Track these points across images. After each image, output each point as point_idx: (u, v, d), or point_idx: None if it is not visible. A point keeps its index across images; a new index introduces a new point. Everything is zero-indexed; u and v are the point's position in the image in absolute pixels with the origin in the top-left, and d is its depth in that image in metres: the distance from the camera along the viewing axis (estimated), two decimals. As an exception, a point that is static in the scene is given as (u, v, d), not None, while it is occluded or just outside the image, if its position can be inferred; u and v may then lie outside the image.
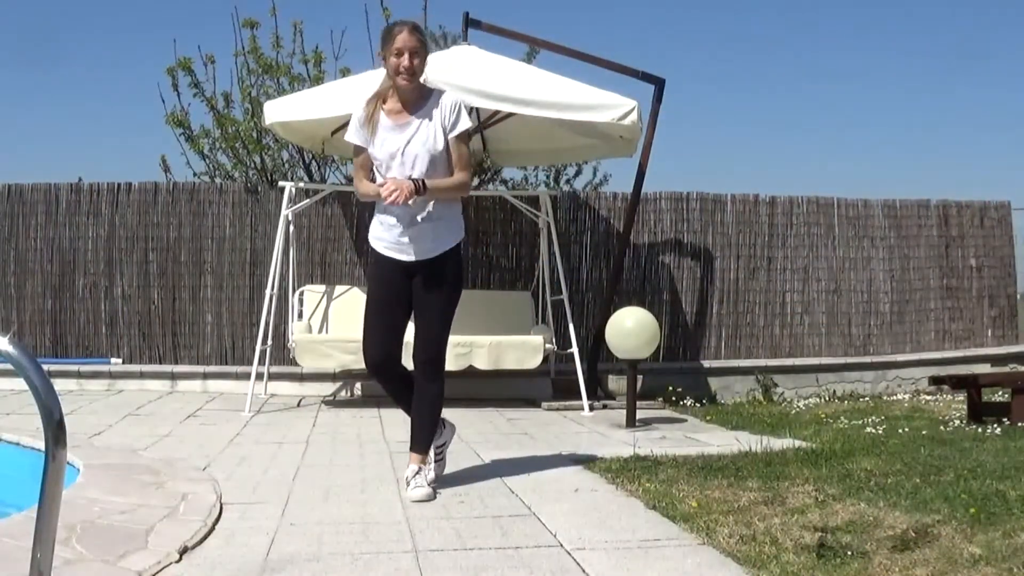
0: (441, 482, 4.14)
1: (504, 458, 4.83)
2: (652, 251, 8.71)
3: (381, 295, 4.07)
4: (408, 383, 4.12)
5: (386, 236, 4.02)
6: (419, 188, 3.85)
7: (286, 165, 9.29)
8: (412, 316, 4.08)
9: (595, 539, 3.28)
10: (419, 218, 3.95)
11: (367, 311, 4.10)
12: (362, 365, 4.38)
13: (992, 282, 9.44)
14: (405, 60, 3.87)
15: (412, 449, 4.08)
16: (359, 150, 4.06)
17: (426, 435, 4.07)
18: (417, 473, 3.96)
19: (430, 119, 3.95)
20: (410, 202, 3.83)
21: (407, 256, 3.99)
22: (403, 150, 3.93)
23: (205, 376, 7.93)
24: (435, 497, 3.89)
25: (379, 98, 4.01)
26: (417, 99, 3.99)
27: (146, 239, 8.34)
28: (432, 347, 4.03)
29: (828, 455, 4.77)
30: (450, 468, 4.35)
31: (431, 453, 4.12)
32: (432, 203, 3.96)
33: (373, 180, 4.05)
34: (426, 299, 4.01)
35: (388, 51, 3.90)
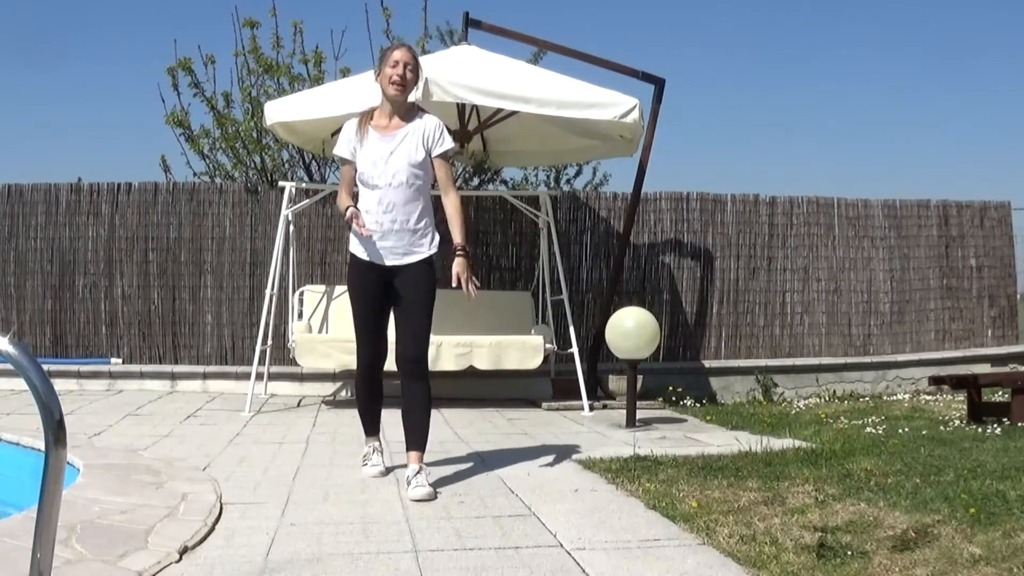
0: (441, 482, 4.15)
1: (504, 458, 4.84)
2: (652, 251, 8.72)
3: (365, 306, 4.27)
4: (380, 391, 4.41)
5: (365, 243, 4.23)
6: (466, 253, 4.16)
7: (286, 165, 9.29)
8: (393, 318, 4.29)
9: (595, 539, 3.29)
10: (394, 229, 4.17)
11: (356, 321, 4.32)
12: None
13: (992, 282, 9.44)
14: (399, 69, 4.16)
15: (410, 449, 4.12)
16: (345, 164, 4.29)
17: (422, 434, 4.15)
18: (418, 473, 3.99)
19: (414, 134, 4.21)
20: (373, 236, 4.13)
21: (385, 261, 4.20)
22: (387, 159, 4.17)
23: (205, 376, 7.93)
24: (436, 497, 3.90)
25: (368, 115, 4.30)
26: (405, 114, 4.26)
27: (146, 239, 8.35)
28: (419, 343, 4.21)
29: (828, 455, 4.77)
30: (450, 468, 4.34)
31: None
32: (404, 214, 4.16)
33: (355, 197, 4.27)
34: (408, 299, 4.21)
35: (384, 65, 4.20)
